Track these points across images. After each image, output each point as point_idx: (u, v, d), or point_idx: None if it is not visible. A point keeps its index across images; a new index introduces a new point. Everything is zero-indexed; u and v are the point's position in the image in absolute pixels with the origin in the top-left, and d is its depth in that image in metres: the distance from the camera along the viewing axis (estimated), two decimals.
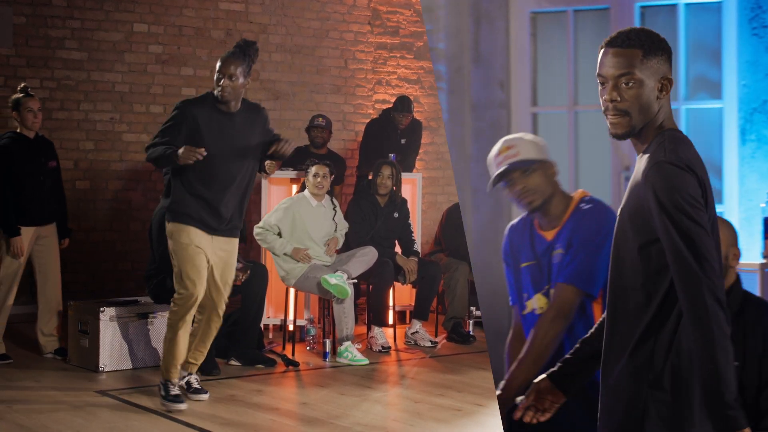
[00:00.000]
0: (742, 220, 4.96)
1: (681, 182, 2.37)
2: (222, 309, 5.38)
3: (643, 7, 4.61)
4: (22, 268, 6.35)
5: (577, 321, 3.51)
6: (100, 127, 8.30)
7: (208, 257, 5.22)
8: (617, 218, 2.57)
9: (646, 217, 2.43)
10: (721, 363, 2.31)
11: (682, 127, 4.59)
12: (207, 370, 6.05)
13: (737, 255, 3.36)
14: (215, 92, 5.14)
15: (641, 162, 2.50)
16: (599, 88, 2.54)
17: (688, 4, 4.63)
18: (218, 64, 5.14)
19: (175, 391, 5.25)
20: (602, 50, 2.53)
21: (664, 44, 2.51)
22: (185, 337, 5.28)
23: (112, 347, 6.14)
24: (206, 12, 8.73)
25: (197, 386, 5.44)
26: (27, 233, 6.29)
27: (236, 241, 5.40)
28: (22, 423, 4.89)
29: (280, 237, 6.78)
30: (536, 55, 4.81)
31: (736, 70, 4.59)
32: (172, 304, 5.25)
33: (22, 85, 6.42)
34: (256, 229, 6.85)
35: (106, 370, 6.08)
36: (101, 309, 6.11)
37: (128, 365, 6.19)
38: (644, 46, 2.49)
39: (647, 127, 2.51)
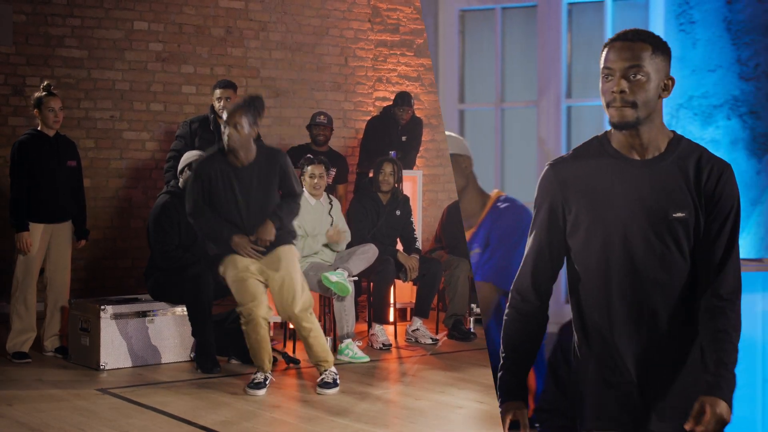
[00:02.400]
0: None
1: None
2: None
3: (570, 4, 4.59)
4: (39, 265, 6.37)
5: (491, 318, 3.54)
6: (100, 125, 8.29)
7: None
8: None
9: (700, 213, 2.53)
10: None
11: (603, 125, 4.60)
12: (207, 368, 6.06)
13: None
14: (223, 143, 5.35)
15: (666, 161, 2.55)
16: (602, 81, 2.55)
17: (615, 1, 4.61)
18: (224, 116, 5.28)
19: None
20: (608, 46, 2.55)
21: (667, 47, 2.56)
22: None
23: (112, 345, 6.14)
24: (206, 9, 8.72)
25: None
26: (39, 230, 6.31)
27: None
28: (23, 421, 4.89)
29: None
30: (464, 53, 4.82)
31: None
32: None
33: (45, 83, 6.45)
34: None
35: (106, 368, 6.09)
36: (102, 307, 6.12)
37: (129, 363, 6.20)
38: (653, 43, 2.52)
39: (648, 124, 2.54)
